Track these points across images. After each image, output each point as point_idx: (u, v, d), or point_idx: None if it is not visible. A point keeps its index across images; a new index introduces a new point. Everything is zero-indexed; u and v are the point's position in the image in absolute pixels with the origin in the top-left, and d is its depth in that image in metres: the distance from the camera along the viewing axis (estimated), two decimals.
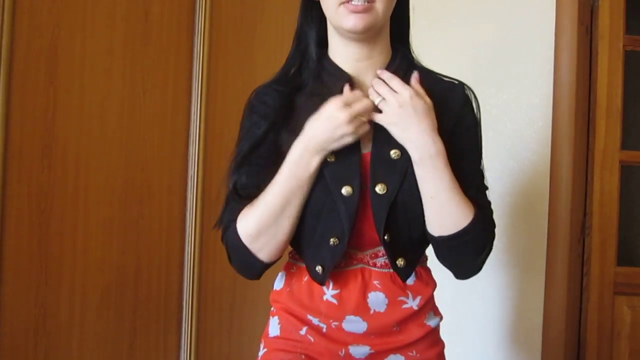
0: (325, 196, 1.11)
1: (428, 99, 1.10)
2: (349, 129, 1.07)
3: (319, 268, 1.15)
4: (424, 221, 1.13)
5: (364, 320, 1.16)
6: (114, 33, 1.92)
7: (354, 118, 1.07)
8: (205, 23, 2.09)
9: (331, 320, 1.17)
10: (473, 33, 2.09)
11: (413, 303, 1.18)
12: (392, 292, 1.16)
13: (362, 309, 1.16)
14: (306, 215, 1.13)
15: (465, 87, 1.21)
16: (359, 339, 1.17)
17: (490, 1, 2.09)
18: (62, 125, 1.81)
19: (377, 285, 1.16)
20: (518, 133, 2.05)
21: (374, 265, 1.17)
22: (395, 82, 1.11)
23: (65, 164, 1.82)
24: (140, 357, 1.98)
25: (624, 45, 2.04)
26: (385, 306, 1.16)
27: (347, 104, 1.08)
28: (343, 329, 1.17)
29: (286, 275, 1.25)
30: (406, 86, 1.10)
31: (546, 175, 2.02)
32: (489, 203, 1.22)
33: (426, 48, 2.22)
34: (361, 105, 1.08)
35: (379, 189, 1.11)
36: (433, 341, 1.22)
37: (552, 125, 2.02)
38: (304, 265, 1.20)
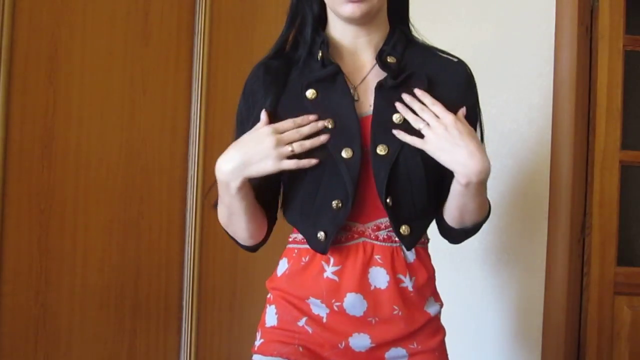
0: (326, 161, 1.12)
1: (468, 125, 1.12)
2: (272, 153, 1.09)
3: (320, 234, 1.13)
4: (426, 187, 1.15)
5: (364, 298, 1.14)
6: (114, 33, 1.92)
7: (281, 145, 1.09)
8: (205, 23, 2.09)
9: (333, 300, 1.15)
10: (473, 33, 2.09)
11: (409, 284, 1.17)
12: (393, 268, 1.15)
13: (363, 285, 1.14)
14: (305, 181, 1.14)
15: (466, 65, 1.23)
16: (359, 325, 1.15)
17: (490, 1, 2.09)
18: (62, 125, 1.81)
19: (379, 260, 1.15)
20: (518, 133, 2.05)
21: (376, 238, 1.16)
22: (437, 107, 1.11)
23: (65, 164, 1.82)
24: (140, 357, 1.98)
25: (624, 45, 2.04)
26: (386, 283, 1.15)
27: (277, 131, 1.10)
28: (345, 312, 1.15)
29: (288, 261, 1.23)
30: (447, 111, 1.11)
31: (546, 175, 2.02)
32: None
33: None
34: (291, 134, 1.10)
35: (380, 150, 1.11)
36: (434, 329, 1.21)
37: (552, 125, 2.02)
38: (303, 247, 1.19)
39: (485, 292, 2.04)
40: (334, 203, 1.12)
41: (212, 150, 2.10)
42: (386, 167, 1.10)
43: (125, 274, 1.95)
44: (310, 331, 1.17)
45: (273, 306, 1.23)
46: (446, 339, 1.26)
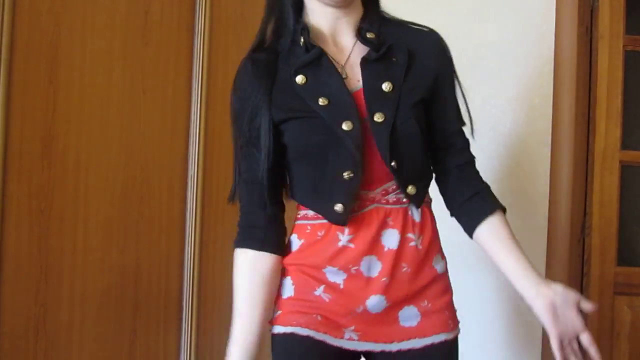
0: (329, 137, 1.16)
1: None
2: None
3: (338, 207, 1.17)
4: (422, 146, 1.23)
5: (379, 259, 1.19)
6: (114, 33, 1.92)
7: None
8: (205, 23, 2.09)
9: (350, 265, 1.19)
10: (473, 33, 2.09)
11: (418, 241, 1.22)
12: (404, 228, 1.20)
13: (377, 248, 1.19)
14: (312, 161, 1.19)
15: (438, 34, 1.29)
16: (374, 287, 1.19)
17: (490, 1, 2.09)
18: (62, 125, 1.81)
19: (390, 223, 1.20)
20: (518, 133, 2.05)
21: (387, 202, 1.20)
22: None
23: (65, 164, 1.82)
24: (140, 357, 1.98)
25: (624, 45, 2.04)
26: (397, 243, 1.19)
27: None
28: (362, 274, 1.19)
29: (299, 236, 1.25)
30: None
31: (546, 175, 2.02)
32: (468, 140, 1.31)
33: None
34: None
35: (377, 117, 1.16)
36: (443, 288, 1.26)
37: (552, 125, 2.02)
38: (317, 222, 1.21)
39: (486, 292, 2.04)
40: (345, 174, 1.16)
41: (212, 150, 2.10)
42: (386, 132, 1.16)
43: (125, 274, 1.95)
44: (327, 299, 1.21)
45: (288, 278, 1.25)
46: None
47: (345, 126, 1.15)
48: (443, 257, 1.29)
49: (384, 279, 1.19)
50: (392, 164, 1.16)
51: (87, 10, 1.86)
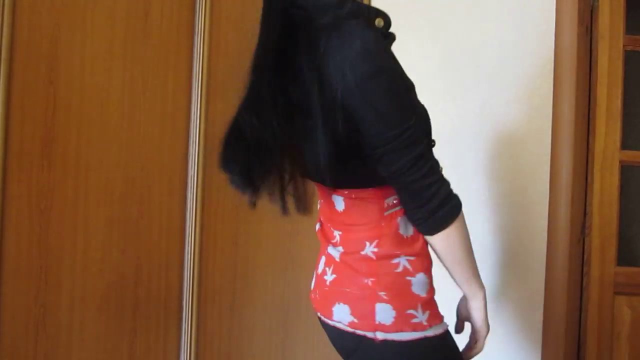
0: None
1: None
2: None
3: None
4: None
5: None
6: (114, 33, 1.92)
7: None
8: (205, 23, 2.09)
9: None
10: (473, 33, 2.09)
11: None
12: None
13: None
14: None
15: None
16: None
17: (490, 1, 2.09)
18: (62, 125, 1.81)
19: None
20: (518, 133, 2.05)
21: None
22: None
23: (65, 164, 1.82)
24: (140, 357, 1.98)
25: (624, 45, 2.04)
26: None
27: None
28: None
29: (403, 221, 1.19)
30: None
31: (546, 175, 2.02)
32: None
33: (426, 47, 2.22)
34: None
35: None
36: None
37: (552, 125, 2.02)
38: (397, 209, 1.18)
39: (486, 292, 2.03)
40: (433, 145, 1.21)
41: (212, 150, 2.10)
42: None
43: (125, 274, 1.95)
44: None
45: (421, 274, 1.17)
46: None
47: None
48: None
49: None
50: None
51: (87, 10, 1.87)
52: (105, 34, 1.90)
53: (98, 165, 1.89)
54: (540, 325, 2.00)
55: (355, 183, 1.17)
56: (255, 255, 2.21)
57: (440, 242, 1.15)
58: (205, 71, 2.09)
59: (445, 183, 1.14)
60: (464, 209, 1.16)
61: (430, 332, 1.14)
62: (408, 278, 1.15)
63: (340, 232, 1.22)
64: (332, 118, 1.04)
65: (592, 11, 2.05)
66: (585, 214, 2.03)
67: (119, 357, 1.94)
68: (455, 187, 1.17)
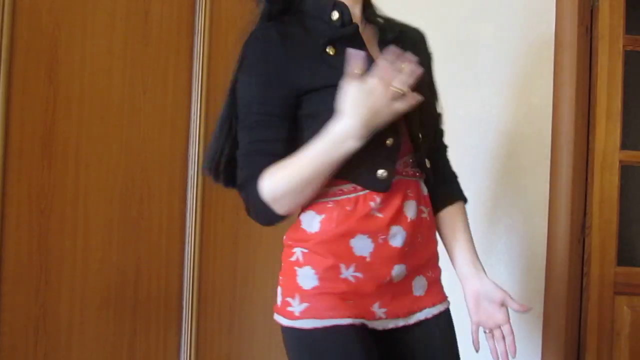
0: None
1: None
2: (388, 98, 1.10)
3: (381, 172, 1.18)
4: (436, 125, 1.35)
5: (404, 229, 1.21)
6: (114, 33, 1.92)
7: (389, 89, 1.10)
8: (205, 23, 2.09)
9: (379, 234, 1.20)
10: (473, 33, 2.09)
11: (426, 212, 1.27)
12: (418, 199, 1.25)
13: (402, 218, 1.22)
14: None
15: (424, 33, 1.39)
16: (399, 256, 1.21)
17: (490, 1, 2.09)
18: (62, 125, 1.81)
19: (410, 194, 1.23)
20: (518, 133, 2.05)
21: (407, 174, 1.24)
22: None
23: (65, 164, 1.82)
24: (140, 357, 1.98)
25: (624, 45, 2.04)
26: (415, 214, 1.23)
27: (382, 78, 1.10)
28: (388, 245, 1.20)
29: (319, 212, 1.22)
30: None
31: (546, 175, 2.02)
32: (443, 130, 1.41)
33: None
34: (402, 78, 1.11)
35: None
36: (437, 258, 1.34)
37: (552, 125, 2.03)
38: (344, 198, 1.20)
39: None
40: (388, 141, 1.18)
41: None
42: (417, 106, 1.15)
43: (125, 274, 1.95)
44: (354, 280, 1.20)
45: (308, 267, 1.22)
46: None
47: None
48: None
49: (406, 249, 1.22)
50: (420, 136, 1.22)
51: (87, 10, 1.86)
52: (105, 34, 1.90)
53: (98, 165, 1.89)
54: (540, 325, 2.00)
55: None
56: (255, 255, 2.21)
57: (279, 200, 1.18)
58: (205, 71, 2.09)
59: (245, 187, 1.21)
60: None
61: (298, 324, 1.19)
62: (296, 268, 1.22)
63: None
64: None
65: (592, 11, 2.05)
66: (585, 214, 2.04)
67: (119, 357, 1.94)
68: None
